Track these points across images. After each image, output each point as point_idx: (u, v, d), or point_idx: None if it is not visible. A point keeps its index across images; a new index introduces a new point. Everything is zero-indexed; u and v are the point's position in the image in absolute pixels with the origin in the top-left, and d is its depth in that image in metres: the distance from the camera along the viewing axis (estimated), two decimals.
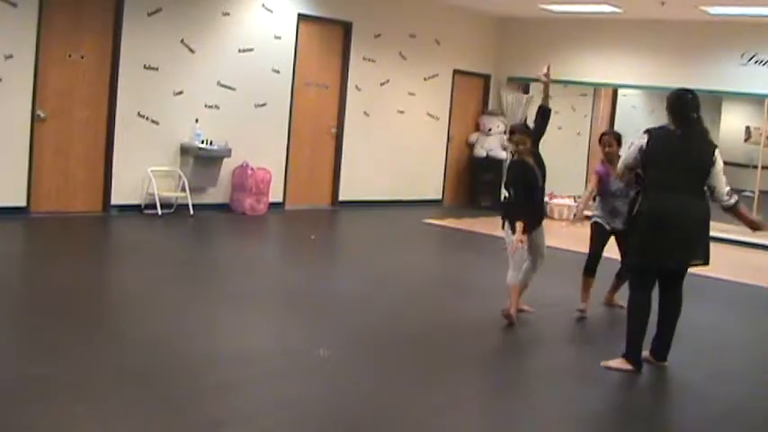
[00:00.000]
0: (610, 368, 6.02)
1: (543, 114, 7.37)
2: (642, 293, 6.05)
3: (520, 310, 7.29)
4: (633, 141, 6.11)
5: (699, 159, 5.96)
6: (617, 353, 6.12)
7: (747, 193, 18.87)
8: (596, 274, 7.68)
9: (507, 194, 7.49)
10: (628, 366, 6.00)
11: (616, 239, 7.67)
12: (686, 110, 6.08)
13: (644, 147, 5.98)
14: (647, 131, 6.06)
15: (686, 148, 5.94)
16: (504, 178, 7.82)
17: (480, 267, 10.13)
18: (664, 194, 5.90)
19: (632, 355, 6.02)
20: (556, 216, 14.67)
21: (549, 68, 7.43)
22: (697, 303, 7.39)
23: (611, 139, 7.86)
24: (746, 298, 9.46)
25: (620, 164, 6.41)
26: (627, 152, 6.21)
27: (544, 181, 7.30)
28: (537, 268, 7.38)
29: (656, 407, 5.72)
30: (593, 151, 17.01)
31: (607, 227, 7.71)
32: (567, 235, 10.14)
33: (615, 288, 8.05)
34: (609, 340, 6.84)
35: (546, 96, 7.46)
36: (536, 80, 15.46)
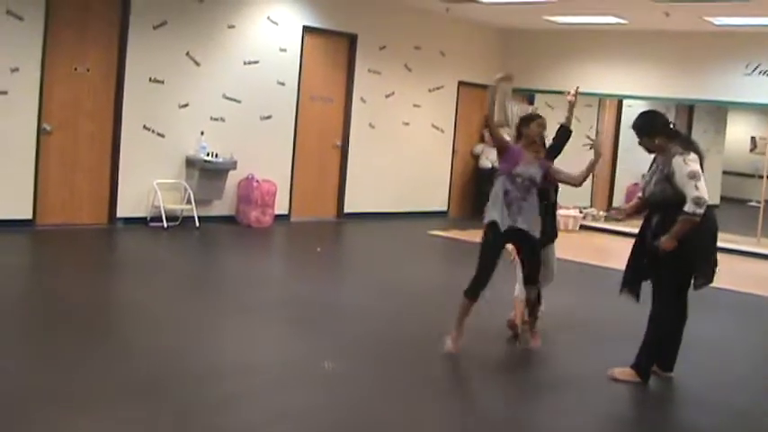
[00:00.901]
0: (617, 380, 6.00)
1: (564, 134, 7.25)
2: (675, 308, 5.96)
3: (525, 323, 7.25)
4: (686, 166, 5.70)
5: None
6: (616, 364, 6.11)
7: (753, 203, 18.86)
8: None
9: None
10: (635, 378, 5.98)
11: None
12: (668, 122, 6.09)
13: (698, 158, 5.78)
14: (695, 152, 5.80)
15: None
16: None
17: None
18: (709, 209, 5.77)
19: (644, 367, 5.98)
20: (561, 227, 14.64)
21: (577, 90, 7.31)
22: (701, 313, 7.37)
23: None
24: (751, 308, 9.44)
25: (702, 194, 5.66)
26: (697, 170, 5.71)
27: (556, 195, 7.20)
28: (545, 285, 7.23)
29: (660, 416, 5.70)
30: (599, 163, 17.01)
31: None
32: (574, 246, 10.11)
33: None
34: (609, 352, 6.83)
35: (570, 116, 7.33)
36: (543, 92, 15.55)
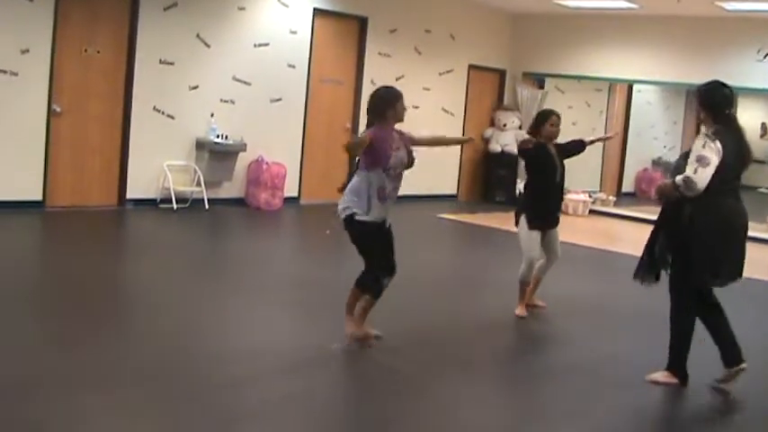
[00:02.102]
0: (657, 383, 5.73)
1: (580, 146, 7.50)
2: (688, 310, 5.71)
3: (533, 306, 7.34)
4: (702, 149, 5.40)
5: (750, 160, 5.67)
6: (622, 350, 6.10)
7: (762, 190, 18.81)
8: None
9: (522, 189, 7.49)
10: (672, 379, 5.74)
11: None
12: (729, 105, 5.66)
13: (720, 150, 5.40)
14: (722, 143, 5.41)
15: (745, 148, 5.60)
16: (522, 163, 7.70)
17: (493, 263, 10.12)
18: (730, 200, 5.60)
19: (676, 368, 5.73)
20: (570, 212, 14.66)
21: (615, 134, 7.55)
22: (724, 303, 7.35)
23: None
24: (760, 294, 9.42)
25: (696, 178, 5.35)
26: (708, 158, 5.38)
27: (562, 180, 7.25)
28: (551, 266, 7.38)
29: (672, 406, 5.71)
30: (609, 147, 17.01)
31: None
32: (582, 231, 10.11)
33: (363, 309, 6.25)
34: (618, 336, 6.84)
35: (593, 142, 7.79)
36: (553, 76, 15.51)
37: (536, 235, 7.13)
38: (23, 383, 4.74)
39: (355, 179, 6.05)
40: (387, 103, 6.26)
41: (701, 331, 5.74)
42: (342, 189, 6.11)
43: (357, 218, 5.90)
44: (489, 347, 6.48)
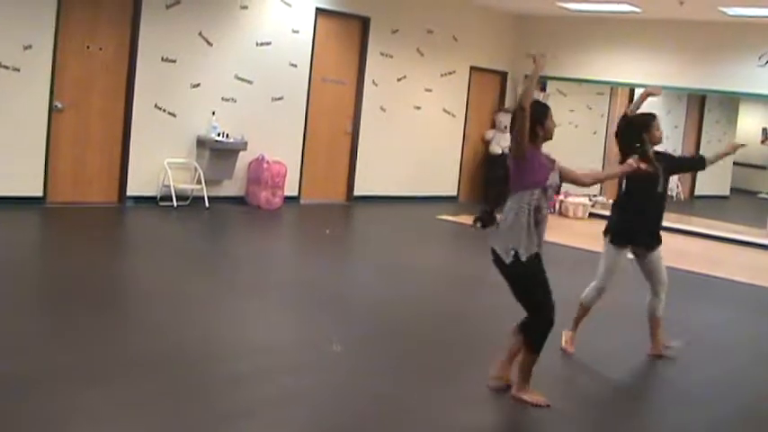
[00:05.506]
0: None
1: (699, 164, 6.73)
2: None
3: (667, 348, 6.52)
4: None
5: None
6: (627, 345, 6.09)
7: (763, 195, 18.83)
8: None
9: (617, 199, 6.67)
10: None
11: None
12: None
13: None
14: None
15: None
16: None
17: (490, 264, 10.09)
18: None
19: None
20: (570, 214, 14.71)
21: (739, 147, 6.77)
22: (708, 305, 7.40)
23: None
24: (761, 300, 9.43)
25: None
26: None
27: (665, 191, 6.42)
28: (660, 298, 6.46)
29: (664, 406, 5.72)
30: (610, 150, 17.00)
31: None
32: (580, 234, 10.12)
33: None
34: (618, 336, 6.84)
35: (719, 158, 6.77)
36: (555, 78, 15.51)
37: (621, 256, 6.33)
38: (22, 378, 4.75)
39: (508, 208, 5.18)
40: (535, 120, 5.10)
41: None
42: (484, 223, 5.33)
43: (522, 258, 5.11)
44: (488, 347, 6.48)
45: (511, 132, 5.20)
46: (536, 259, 5.14)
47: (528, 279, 5.16)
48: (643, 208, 6.27)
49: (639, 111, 6.38)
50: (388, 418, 4.86)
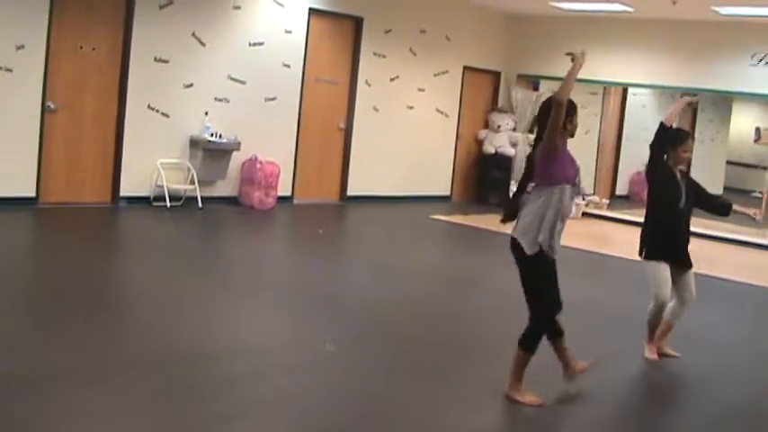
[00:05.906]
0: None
1: (723, 210, 6.47)
2: None
3: (664, 355, 6.48)
4: None
5: None
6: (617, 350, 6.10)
7: (756, 194, 18.84)
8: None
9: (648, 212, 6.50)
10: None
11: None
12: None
13: None
14: None
15: None
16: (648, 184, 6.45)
17: (484, 263, 10.13)
18: None
19: None
20: None
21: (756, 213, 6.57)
22: (704, 304, 7.38)
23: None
24: (753, 299, 9.44)
25: None
26: None
27: (688, 211, 6.31)
28: (687, 304, 6.43)
29: (662, 406, 5.73)
30: (603, 150, 17.04)
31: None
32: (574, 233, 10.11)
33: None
34: (609, 336, 6.85)
35: (737, 212, 6.53)
36: (548, 78, 15.52)
37: (664, 268, 6.23)
38: (16, 378, 4.74)
39: (534, 202, 5.12)
40: (566, 115, 5.07)
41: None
42: (506, 219, 5.34)
43: (544, 251, 5.08)
44: (481, 346, 6.49)
45: (539, 127, 5.15)
46: (553, 257, 5.15)
47: (541, 273, 5.16)
48: (663, 221, 6.25)
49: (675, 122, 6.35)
50: (382, 418, 4.86)
